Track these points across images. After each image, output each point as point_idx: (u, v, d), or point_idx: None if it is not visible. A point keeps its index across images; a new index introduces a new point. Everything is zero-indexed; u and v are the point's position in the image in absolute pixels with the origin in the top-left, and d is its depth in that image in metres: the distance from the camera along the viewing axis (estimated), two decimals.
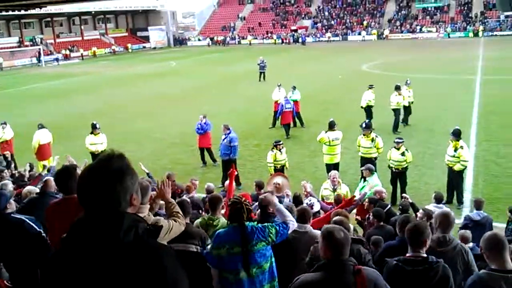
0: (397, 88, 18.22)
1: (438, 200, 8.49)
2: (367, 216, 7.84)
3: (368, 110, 18.70)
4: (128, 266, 1.79)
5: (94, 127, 14.09)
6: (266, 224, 4.50)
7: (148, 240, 1.96)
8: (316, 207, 7.99)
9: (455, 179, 11.31)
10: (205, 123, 14.75)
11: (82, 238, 1.85)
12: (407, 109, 18.52)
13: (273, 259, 4.50)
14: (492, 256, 3.68)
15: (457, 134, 11.35)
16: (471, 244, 6.97)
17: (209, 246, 4.87)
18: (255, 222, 4.56)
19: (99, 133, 14.05)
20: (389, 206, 8.63)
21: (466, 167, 11.29)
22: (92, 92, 31.58)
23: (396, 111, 17.81)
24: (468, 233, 7.16)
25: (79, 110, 24.92)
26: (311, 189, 8.75)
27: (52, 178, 6.90)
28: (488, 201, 9.75)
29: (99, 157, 2.02)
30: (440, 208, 8.18)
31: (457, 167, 11.17)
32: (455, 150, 11.19)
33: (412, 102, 18.85)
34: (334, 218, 5.58)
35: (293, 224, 4.65)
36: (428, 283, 3.80)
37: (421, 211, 7.35)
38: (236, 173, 9.11)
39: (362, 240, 5.12)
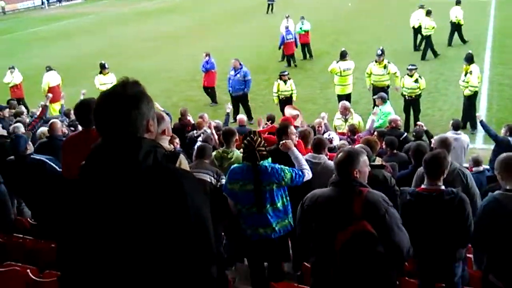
0: (429, 12, 17.48)
1: (456, 127, 8.41)
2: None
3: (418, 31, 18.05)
4: (149, 189, 1.79)
5: (103, 66, 14.00)
6: (283, 167, 4.50)
7: (167, 165, 1.96)
8: (336, 141, 7.98)
9: (467, 104, 11.21)
10: (206, 62, 14.51)
11: (101, 163, 1.84)
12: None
13: (287, 198, 4.57)
14: (507, 177, 3.66)
15: (469, 59, 11.22)
16: (481, 168, 7.00)
17: (224, 179, 4.95)
18: (270, 160, 4.56)
19: (108, 72, 13.97)
20: (405, 134, 8.59)
21: (475, 92, 11.09)
22: (97, 33, 31.03)
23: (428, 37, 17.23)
24: (478, 156, 7.19)
25: (85, 51, 24.61)
26: (326, 122, 8.73)
27: (57, 121, 6.93)
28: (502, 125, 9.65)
29: (115, 83, 1.97)
30: (459, 135, 8.16)
31: (466, 92, 11.07)
32: (465, 75, 11.04)
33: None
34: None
35: (308, 174, 4.67)
36: (445, 216, 3.82)
37: (435, 137, 7.29)
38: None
39: (383, 165, 5.13)
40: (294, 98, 12.53)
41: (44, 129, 7.64)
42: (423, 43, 17.61)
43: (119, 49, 24.48)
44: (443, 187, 3.89)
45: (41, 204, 4.95)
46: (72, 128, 8.74)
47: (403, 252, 3.14)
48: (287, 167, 4.54)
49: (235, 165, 4.76)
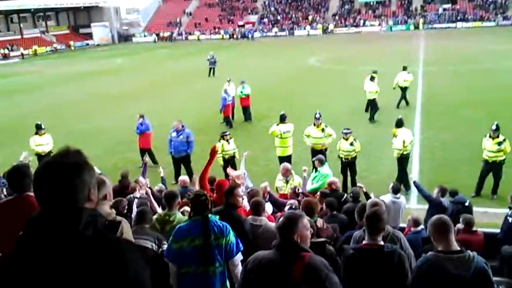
0: (372, 78, 18.96)
1: (395, 191, 8.72)
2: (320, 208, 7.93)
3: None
4: (89, 260, 1.75)
5: (39, 127, 13.61)
6: (230, 228, 4.45)
7: (108, 234, 1.92)
8: (269, 211, 8.01)
9: (399, 166, 11.79)
10: (141, 124, 14.49)
11: (40, 234, 1.78)
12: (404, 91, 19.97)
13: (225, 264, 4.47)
14: (439, 238, 3.85)
15: (397, 123, 12.01)
16: (420, 227, 7.26)
17: (165, 244, 4.83)
18: (217, 217, 4.54)
19: (44, 133, 13.58)
20: (345, 195, 8.81)
21: (402, 155, 11.67)
22: (34, 92, 30.41)
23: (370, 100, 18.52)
24: (418, 216, 7.46)
25: (21, 111, 23.95)
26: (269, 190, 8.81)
27: None
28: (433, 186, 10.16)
29: (56, 152, 1.94)
30: (397, 199, 8.48)
31: (395, 154, 11.82)
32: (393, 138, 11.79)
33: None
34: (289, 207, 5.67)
35: (240, 262, 4.47)
36: (385, 271, 3.91)
37: (368, 201, 7.54)
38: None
39: (326, 241, 5.18)
40: (237, 156, 12.68)
41: None
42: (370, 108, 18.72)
43: (58, 109, 24.00)
44: (382, 243, 4.02)
45: None
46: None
47: None
48: (233, 232, 4.48)
49: (182, 224, 4.64)
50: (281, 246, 3.30)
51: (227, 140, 12.54)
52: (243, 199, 5.64)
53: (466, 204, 8.52)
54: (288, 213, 3.70)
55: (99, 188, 3.84)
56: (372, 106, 18.34)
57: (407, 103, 20.18)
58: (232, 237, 4.39)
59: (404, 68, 20.38)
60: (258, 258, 3.35)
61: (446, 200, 8.58)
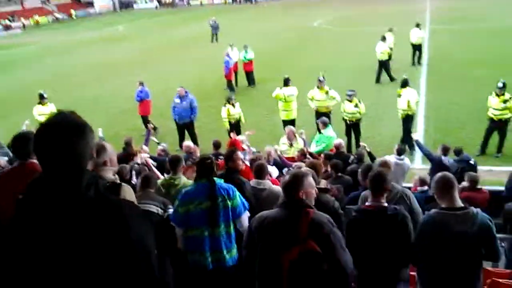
0: (383, 38, 18.56)
1: (399, 152, 8.69)
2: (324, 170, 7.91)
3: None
4: (91, 221, 1.73)
5: (41, 96, 13.57)
6: (234, 188, 4.52)
7: (110, 196, 1.91)
8: (274, 174, 8.02)
9: (403, 126, 11.71)
10: (140, 91, 14.46)
11: (41, 196, 1.76)
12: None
13: (234, 228, 4.53)
14: (442, 196, 3.81)
15: (403, 83, 11.95)
16: (426, 187, 7.25)
17: (171, 209, 4.85)
18: (222, 180, 4.59)
19: (47, 102, 13.56)
20: (351, 157, 8.78)
21: (407, 115, 11.58)
22: (37, 63, 30.29)
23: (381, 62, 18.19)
24: (425, 175, 7.44)
25: (24, 82, 23.91)
26: (275, 154, 8.77)
27: None
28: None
29: (52, 115, 1.88)
30: (401, 161, 8.44)
31: (399, 115, 11.67)
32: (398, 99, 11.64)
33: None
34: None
35: (247, 219, 4.54)
36: (388, 233, 3.90)
37: (377, 160, 7.51)
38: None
39: (327, 188, 5.20)
40: (243, 120, 12.74)
41: None
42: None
43: (60, 79, 23.94)
44: (385, 204, 4.00)
45: None
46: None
47: (347, 270, 3.23)
48: (238, 193, 4.55)
49: (188, 187, 4.69)
50: (287, 203, 3.36)
51: (233, 104, 12.52)
52: (243, 162, 5.64)
53: (471, 162, 8.49)
54: (293, 171, 3.76)
55: (99, 154, 3.86)
56: (383, 67, 18.08)
57: (419, 61, 20.08)
58: (238, 198, 4.47)
59: (417, 25, 20.21)
60: (263, 217, 3.42)
61: (447, 158, 8.54)
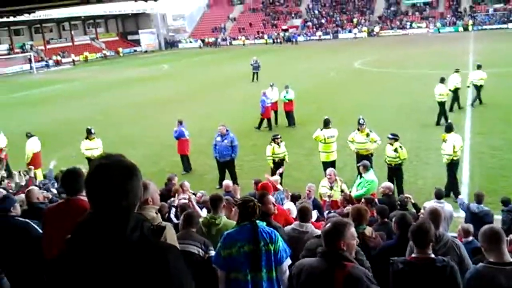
0: (442, 80, 18.29)
1: (439, 196, 8.47)
2: None
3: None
4: (134, 265, 1.79)
5: (89, 132, 14.05)
6: (276, 233, 4.48)
7: (153, 239, 1.97)
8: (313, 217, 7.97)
9: (447, 172, 11.42)
10: (175, 130, 14.69)
11: (88, 237, 1.84)
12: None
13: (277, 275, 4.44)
14: (490, 249, 3.69)
15: (447, 128, 11.73)
16: (470, 238, 6.99)
17: (212, 250, 4.87)
18: (264, 224, 4.57)
19: (94, 138, 14.02)
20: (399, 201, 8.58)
21: (452, 160, 11.30)
22: (85, 98, 31.44)
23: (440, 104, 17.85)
24: (469, 226, 7.16)
25: (72, 116, 24.80)
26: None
27: (34, 188, 6.78)
28: (485, 193, 9.81)
29: (100, 156, 1.98)
30: (441, 204, 8.22)
31: (444, 160, 11.42)
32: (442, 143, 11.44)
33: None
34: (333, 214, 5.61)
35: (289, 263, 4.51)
36: (437, 284, 3.78)
37: (426, 208, 7.32)
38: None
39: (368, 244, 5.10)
40: (286, 160, 12.76)
41: (22, 196, 7.49)
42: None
43: (106, 115, 24.70)
44: (433, 256, 3.89)
45: (22, 272, 4.76)
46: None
47: None
48: (281, 236, 4.51)
49: (230, 230, 4.67)
50: (326, 253, 3.29)
51: (278, 144, 12.58)
52: (275, 206, 5.58)
53: None
54: (335, 220, 3.67)
55: (152, 192, 3.95)
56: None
57: (480, 101, 19.73)
58: (280, 242, 4.40)
59: (479, 67, 20.07)
60: (302, 265, 3.39)
61: (475, 205, 8.28)
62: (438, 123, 17.38)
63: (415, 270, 3.86)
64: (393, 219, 5.80)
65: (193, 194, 9.44)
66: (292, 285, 3.42)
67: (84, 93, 33.62)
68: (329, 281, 3.12)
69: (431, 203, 8.20)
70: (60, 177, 4.34)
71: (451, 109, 18.99)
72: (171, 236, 4.01)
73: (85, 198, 3.78)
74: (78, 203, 3.75)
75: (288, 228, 5.66)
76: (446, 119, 17.20)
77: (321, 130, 12.60)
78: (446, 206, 8.26)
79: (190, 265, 4.08)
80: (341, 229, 3.34)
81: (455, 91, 19.26)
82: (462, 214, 9.99)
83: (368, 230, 5.39)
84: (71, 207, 3.72)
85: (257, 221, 4.47)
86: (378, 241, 5.49)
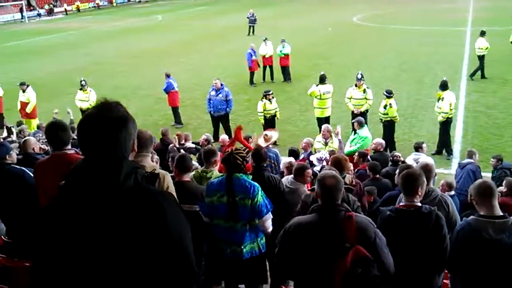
0: (483, 33, 17.95)
1: (417, 149, 8.64)
2: (356, 169, 7.81)
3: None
4: (129, 211, 1.78)
5: (82, 84, 14.08)
6: (259, 187, 4.48)
7: (148, 186, 1.95)
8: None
9: (441, 130, 11.44)
10: (166, 82, 14.60)
11: (81, 184, 1.83)
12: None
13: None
14: (482, 203, 3.72)
15: (443, 86, 11.56)
16: (452, 192, 7.10)
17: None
18: (249, 177, 4.58)
19: (87, 89, 14.06)
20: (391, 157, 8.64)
21: (447, 118, 11.29)
22: (77, 48, 30.90)
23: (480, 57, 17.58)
24: (452, 180, 7.28)
25: (64, 67, 24.49)
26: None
27: (31, 138, 6.75)
28: (477, 152, 9.90)
29: (96, 105, 1.94)
30: (418, 156, 8.32)
31: (439, 118, 11.37)
32: (438, 101, 11.32)
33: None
34: (326, 167, 5.66)
35: (270, 222, 4.58)
36: (422, 232, 3.82)
37: (417, 164, 7.38)
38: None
39: (351, 188, 5.17)
40: (278, 116, 12.73)
41: (16, 146, 7.45)
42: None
43: (100, 66, 24.39)
44: (419, 204, 3.92)
45: (18, 218, 4.80)
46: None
47: (391, 272, 3.21)
48: (262, 192, 4.50)
49: (214, 179, 4.78)
50: (326, 207, 3.23)
51: (270, 100, 12.49)
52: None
53: None
54: (333, 173, 3.57)
55: (148, 144, 3.94)
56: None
57: (482, 74, 17.70)
58: (260, 197, 4.43)
59: (482, 33, 18.28)
60: (302, 223, 3.26)
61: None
62: (471, 76, 17.45)
63: (401, 217, 3.90)
64: (397, 171, 5.86)
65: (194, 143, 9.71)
66: (289, 246, 3.27)
67: (77, 44, 33.01)
68: (339, 235, 3.06)
69: (411, 156, 8.33)
70: (44, 130, 4.28)
71: (471, 76, 17.80)
72: (168, 180, 4.05)
73: (71, 152, 3.80)
74: (65, 157, 3.74)
75: (284, 179, 5.73)
76: (483, 74, 17.28)
77: (317, 85, 12.51)
78: (423, 158, 8.22)
79: (193, 220, 4.11)
80: (341, 181, 3.35)
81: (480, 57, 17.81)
82: (453, 171, 10.14)
83: (348, 178, 5.44)
84: (62, 160, 3.70)
85: (239, 174, 4.47)
86: (358, 187, 5.58)
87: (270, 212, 4.51)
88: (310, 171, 5.71)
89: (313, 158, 8.54)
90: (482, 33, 18.13)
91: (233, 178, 4.44)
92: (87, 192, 1.80)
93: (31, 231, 1.96)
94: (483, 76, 17.54)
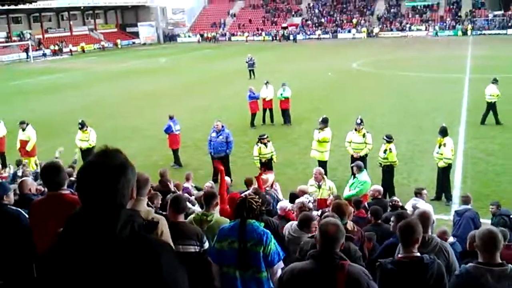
0: (495, 80, 18.03)
1: (416, 194, 8.63)
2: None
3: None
4: (124, 261, 1.79)
5: (82, 125, 14.11)
6: (272, 236, 4.40)
7: (144, 235, 1.95)
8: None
9: (441, 176, 11.43)
10: (167, 124, 14.67)
11: (78, 233, 1.84)
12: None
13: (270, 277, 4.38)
14: (484, 250, 3.72)
15: (443, 132, 11.57)
16: (451, 239, 7.04)
17: (207, 242, 4.89)
18: (262, 224, 4.49)
19: (87, 130, 14.11)
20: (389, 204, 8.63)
21: (449, 164, 11.34)
22: (81, 88, 31.35)
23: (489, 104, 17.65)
24: (446, 229, 7.25)
25: (68, 107, 24.76)
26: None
27: (27, 179, 6.76)
28: (476, 198, 9.89)
29: (97, 152, 1.98)
30: (416, 201, 8.29)
31: (441, 164, 11.35)
32: (439, 147, 11.36)
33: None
34: (328, 213, 5.64)
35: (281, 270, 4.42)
36: (424, 283, 3.79)
37: (415, 212, 7.35)
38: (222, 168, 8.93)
39: (352, 237, 5.13)
40: (274, 160, 12.72)
41: (14, 186, 7.45)
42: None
43: (102, 106, 24.65)
44: (418, 254, 3.90)
45: (12, 259, 4.75)
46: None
47: None
48: (275, 240, 4.42)
49: (225, 225, 4.68)
50: (322, 255, 3.22)
51: (265, 144, 12.52)
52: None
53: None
54: (335, 221, 3.56)
55: (142, 186, 3.94)
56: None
57: (496, 121, 17.53)
58: (273, 245, 4.33)
59: (495, 81, 18.07)
60: (296, 270, 3.26)
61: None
62: (482, 122, 17.54)
63: (404, 269, 3.87)
64: (392, 218, 5.81)
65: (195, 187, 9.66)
66: None
67: (81, 84, 33.50)
68: (330, 284, 3.06)
69: (410, 202, 8.32)
70: (40, 172, 4.30)
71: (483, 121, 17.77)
72: (166, 231, 4.02)
73: (66, 192, 3.81)
74: (60, 197, 3.74)
75: (287, 226, 5.71)
76: (497, 121, 17.37)
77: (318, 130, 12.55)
78: (421, 204, 8.17)
79: (187, 262, 4.05)
80: (343, 230, 3.32)
81: (490, 104, 17.73)
82: (452, 217, 10.06)
83: (350, 225, 5.42)
84: (58, 201, 3.69)
85: (252, 221, 4.39)
86: (359, 235, 5.54)
87: (281, 261, 4.38)
88: (316, 222, 5.65)
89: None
90: (495, 81, 18.18)
91: (247, 224, 4.36)
92: (84, 241, 1.82)
93: (24, 273, 1.95)
94: (497, 122, 17.59)
